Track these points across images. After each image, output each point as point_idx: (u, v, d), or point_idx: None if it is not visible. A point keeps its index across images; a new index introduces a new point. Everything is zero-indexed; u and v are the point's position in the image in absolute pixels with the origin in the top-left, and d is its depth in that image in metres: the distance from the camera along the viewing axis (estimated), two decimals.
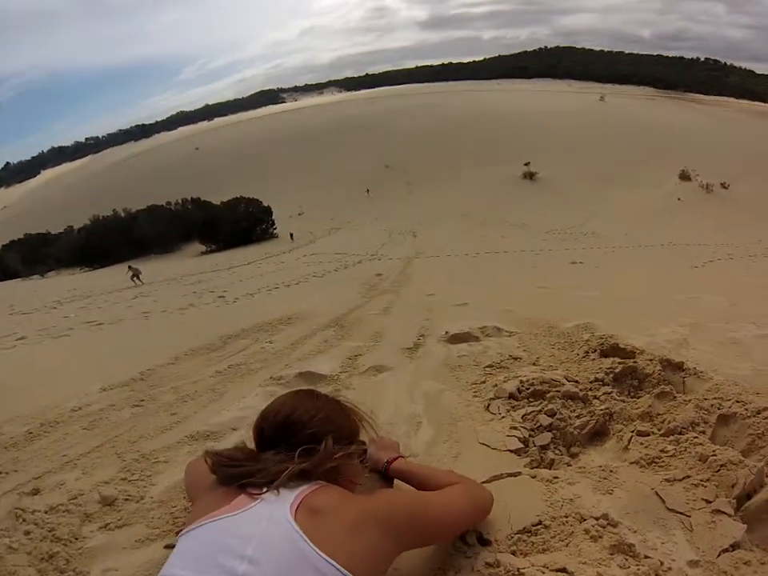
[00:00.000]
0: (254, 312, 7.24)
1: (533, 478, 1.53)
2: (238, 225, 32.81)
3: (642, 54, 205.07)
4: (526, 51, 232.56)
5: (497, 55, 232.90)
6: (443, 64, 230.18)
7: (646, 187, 38.05)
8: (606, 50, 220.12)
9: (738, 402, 1.90)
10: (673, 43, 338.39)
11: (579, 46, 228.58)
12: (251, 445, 1.29)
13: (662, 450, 1.67)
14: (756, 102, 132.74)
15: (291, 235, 29.07)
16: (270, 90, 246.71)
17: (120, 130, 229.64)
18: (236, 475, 1.10)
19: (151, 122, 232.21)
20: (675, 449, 1.67)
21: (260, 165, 66.33)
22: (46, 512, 1.74)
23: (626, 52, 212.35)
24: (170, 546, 1.53)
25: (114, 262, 29.34)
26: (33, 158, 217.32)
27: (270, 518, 0.99)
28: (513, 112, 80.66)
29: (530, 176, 42.36)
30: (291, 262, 18.11)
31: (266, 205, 35.15)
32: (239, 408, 2.57)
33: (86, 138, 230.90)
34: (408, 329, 3.90)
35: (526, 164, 43.63)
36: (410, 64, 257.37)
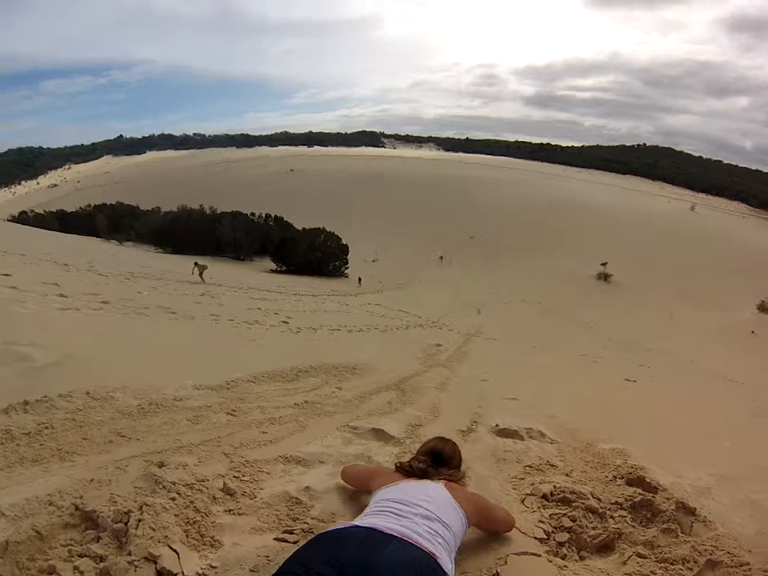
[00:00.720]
0: (319, 350, 7.82)
1: (549, 561, 2.05)
2: (313, 254, 33.68)
3: (741, 167, 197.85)
4: (625, 145, 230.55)
5: (595, 144, 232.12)
6: (541, 144, 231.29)
7: (722, 311, 36.50)
8: (704, 156, 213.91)
9: (729, 553, 2.25)
10: None
11: (678, 149, 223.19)
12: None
13: (652, 571, 2.13)
14: None
15: (360, 279, 29.63)
16: (372, 131, 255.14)
17: (226, 135, 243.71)
18: (419, 471, 2.24)
19: (256, 134, 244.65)
20: (663, 573, 2.12)
21: (347, 201, 68.47)
22: (183, 485, 2.30)
23: (725, 162, 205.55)
24: (279, 539, 2.12)
25: (188, 253, 30.60)
26: (144, 137, 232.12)
27: (434, 487, 2.09)
28: (602, 207, 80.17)
29: (604, 277, 41.93)
30: (355, 306, 18.59)
31: (344, 243, 36.12)
32: (324, 445, 3.13)
33: (194, 133, 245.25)
34: (462, 411, 4.37)
35: (603, 264, 43.26)
36: (510, 136, 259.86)
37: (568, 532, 2.34)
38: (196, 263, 19.16)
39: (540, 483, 2.78)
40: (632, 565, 2.20)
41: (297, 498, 2.44)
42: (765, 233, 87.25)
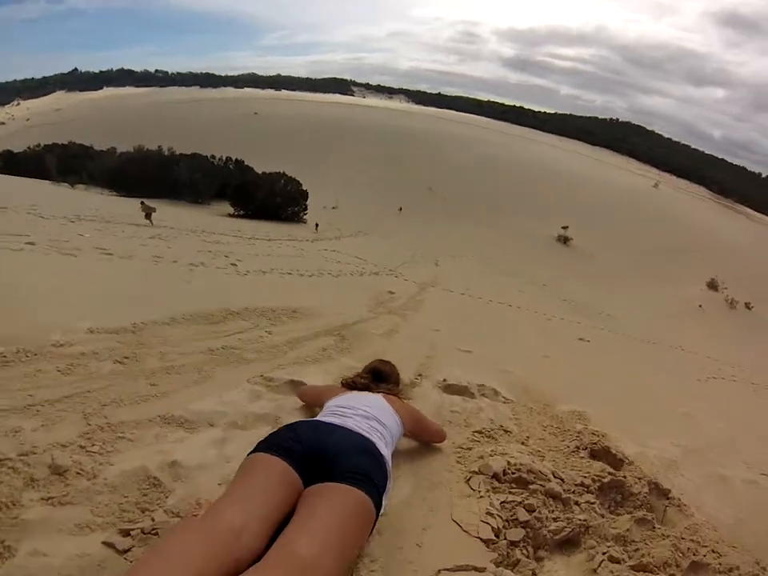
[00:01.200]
0: (261, 292, 7.16)
1: None
2: (272, 199, 32.80)
3: (707, 154, 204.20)
4: (597, 117, 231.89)
5: (568, 113, 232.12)
6: (513, 106, 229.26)
7: (673, 285, 37.70)
8: (674, 139, 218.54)
9: (713, 551, 1.89)
10: (740, 151, 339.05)
11: (649, 128, 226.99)
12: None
13: None
14: None
15: (317, 225, 29.01)
16: (343, 79, 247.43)
17: (190, 72, 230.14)
18: (361, 385, 2.48)
19: (221, 75, 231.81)
20: None
21: (310, 147, 66.69)
22: None
23: (692, 147, 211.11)
24: (108, 544, 1.43)
25: (144, 196, 29.42)
26: (101, 71, 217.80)
27: (374, 397, 2.25)
28: (567, 173, 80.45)
29: (564, 240, 42.26)
30: (311, 252, 17.88)
31: (305, 188, 35.22)
32: (221, 401, 2.49)
33: (156, 70, 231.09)
34: (408, 362, 3.83)
35: (564, 227, 43.56)
36: (484, 96, 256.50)
37: (524, 527, 1.78)
38: (142, 202, 17.60)
39: (491, 456, 2.23)
40: (604, 573, 1.67)
41: (155, 479, 1.76)
42: (720, 216, 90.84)
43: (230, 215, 30.90)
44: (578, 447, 2.65)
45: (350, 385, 2.50)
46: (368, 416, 1.99)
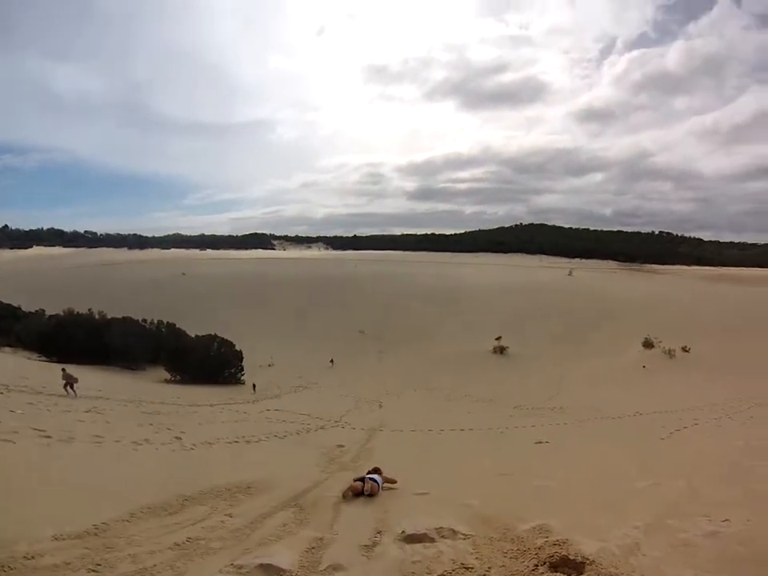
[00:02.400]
0: (211, 469, 7.06)
1: None
2: (208, 362, 32.25)
3: (605, 231, 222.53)
4: (503, 227, 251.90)
5: (477, 229, 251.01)
6: (426, 234, 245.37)
7: (612, 356, 39.06)
8: (573, 227, 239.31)
9: None
10: (631, 219, 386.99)
11: (550, 224, 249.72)
12: None
13: None
14: (704, 267, 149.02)
15: (254, 386, 28.32)
16: (263, 233, 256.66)
17: (119, 234, 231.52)
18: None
19: (148, 236, 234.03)
20: None
21: (238, 305, 67.13)
22: None
23: (591, 228, 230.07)
24: None
25: (74, 361, 28.00)
26: (30, 230, 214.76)
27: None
28: (488, 286, 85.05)
29: (500, 350, 43.57)
30: (254, 414, 17.63)
31: (239, 349, 34.93)
32: None
33: (85, 231, 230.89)
34: (365, 521, 3.96)
35: (497, 338, 45.17)
36: (397, 231, 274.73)
37: None
38: (63, 369, 16.45)
39: None
40: None
41: None
42: (632, 282, 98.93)
43: (166, 381, 29.98)
44: (536, 564, 2.83)
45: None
46: None
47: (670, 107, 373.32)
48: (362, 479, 5.30)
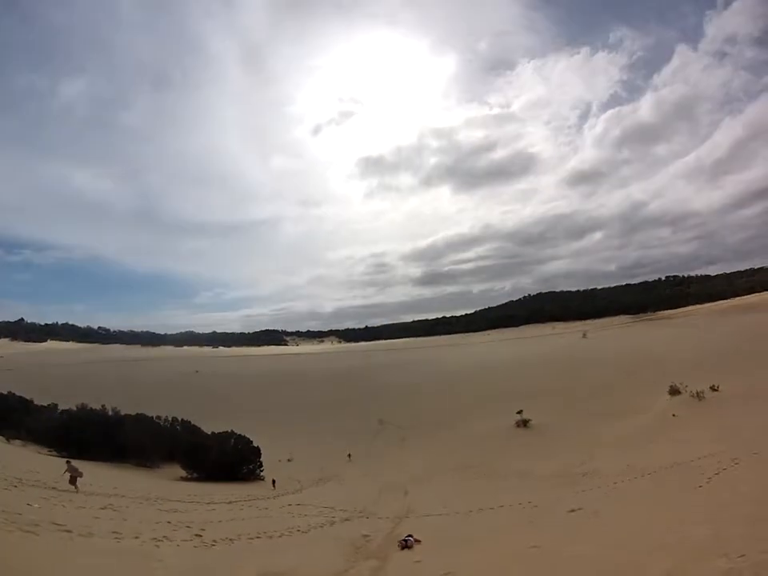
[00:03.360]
0: (235, 564, 6.89)
1: None
2: (225, 458, 31.49)
3: (613, 287, 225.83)
4: (512, 300, 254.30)
5: (486, 307, 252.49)
6: (437, 318, 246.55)
7: (640, 411, 36.93)
8: (581, 289, 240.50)
9: None
10: (636, 270, 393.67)
11: (558, 290, 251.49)
12: None
13: None
14: (717, 302, 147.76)
15: (273, 482, 27.42)
16: (274, 330, 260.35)
17: (132, 331, 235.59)
18: None
19: (161, 333, 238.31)
20: None
21: (254, 402, 66.75)
22: None
23: (599, 287, 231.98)
24: None
25: (86, 458, 27.37)
26: (46, 324, 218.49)
27: None
28: (503, 361, 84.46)
29: (523, 424, 42.21)
30: (275, 509, 17.05)
31: (256, 445, 34.23)
32: None
33: (99, 327, 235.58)
34: None
35: (519, 412, 44.03)
36: (407, 317, 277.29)
37: None
38: (68, 461, 15.96)
39: None
40: None
41: None
42: (647, 333, 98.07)
43: (182, 478, 29.21)
44: None
45: None
46: None
47: (653, 156, 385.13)
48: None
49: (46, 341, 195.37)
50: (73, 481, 15.09)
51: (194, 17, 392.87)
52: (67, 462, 16.23)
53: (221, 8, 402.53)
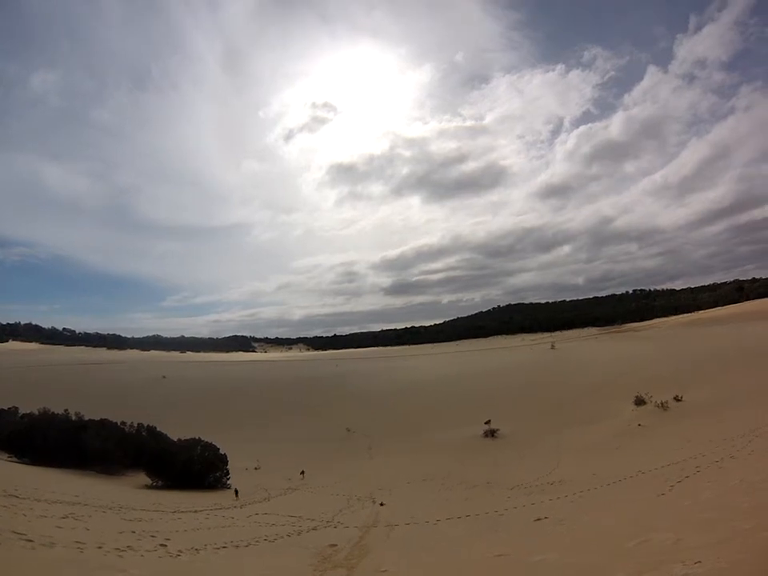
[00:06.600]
0: (201, 574, 6.83)
1: None
2: (191, 466, 30.83)
3: (581, 299, 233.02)
4: (481, 311, 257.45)
5: (455, 318, 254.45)
6: (406, 328, 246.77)
7: (606, 421, 38.40)
8: (550, 301, 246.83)
9: None
10: (603, 284, 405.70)
11: (527, 302, 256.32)
12: None
13: None
14: (681, 315, 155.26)
15: (236, 492, 26.09)
16: (243, 336, 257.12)
17: (97, 333, 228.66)
18: None
19: (127, 336, 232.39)
20: None
21: (221, 409, 65.67)
22: None
23: (567, 300, 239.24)
24: None
25: (47, 464, 26.54)
26: (8, 324, 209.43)
27: None
28: (471, 372, 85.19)
29: (491, 433, 42.77)
30: (242, 519, 16.73)
31: (223, 452, 33.66)
32: None
33: (63, 328, 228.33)
34: None
35: (487, 422, 44.55)
36: (376, 327, 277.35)
37: None
38: None
39: None
40: None
41: None
42: (613, 344, 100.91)
43: (147, 486, 28.46)
44: None
45: None
46: None
47: (622, 172, 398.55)
48: None
49: (7, 341, 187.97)
50: None
51: (178, 16, 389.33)
52: None
53: (205, 9, 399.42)
